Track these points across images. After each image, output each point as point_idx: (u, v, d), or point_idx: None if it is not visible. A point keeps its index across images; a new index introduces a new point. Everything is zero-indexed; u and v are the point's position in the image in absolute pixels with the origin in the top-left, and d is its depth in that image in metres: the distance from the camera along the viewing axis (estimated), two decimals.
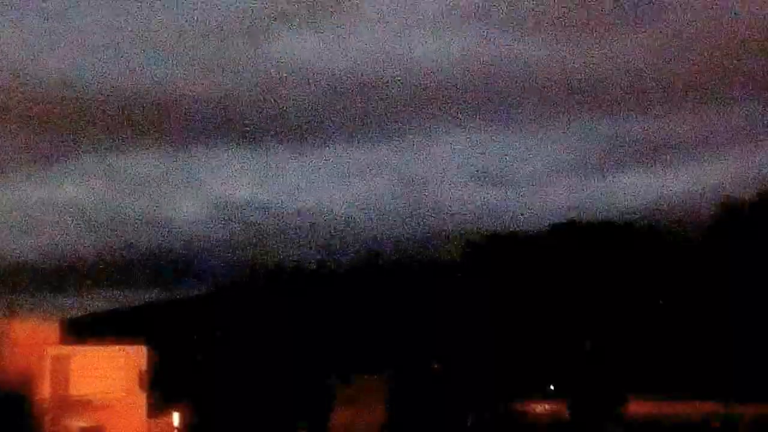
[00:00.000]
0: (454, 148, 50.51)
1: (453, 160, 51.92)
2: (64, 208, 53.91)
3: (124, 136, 49.49)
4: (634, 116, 48.38)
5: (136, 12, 51.87)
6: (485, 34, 50.31)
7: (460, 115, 49.04)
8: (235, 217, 53.05)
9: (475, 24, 51.07)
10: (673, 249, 39.06)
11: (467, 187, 49.30)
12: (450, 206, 45.54)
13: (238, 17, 51.02)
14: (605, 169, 48.84)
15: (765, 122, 52.61)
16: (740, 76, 51.71)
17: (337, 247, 44.98)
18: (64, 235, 49.28)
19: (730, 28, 49.31)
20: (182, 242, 49.05)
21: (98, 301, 50.61)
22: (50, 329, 16.55)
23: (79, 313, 49.04)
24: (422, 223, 46.01)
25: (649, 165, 48.44)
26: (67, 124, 47.45)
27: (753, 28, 48.16)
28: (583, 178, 48.71)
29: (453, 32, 51.11)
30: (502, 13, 50.58)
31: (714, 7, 49.57)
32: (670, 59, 50.26)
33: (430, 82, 49.50)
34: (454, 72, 49.19)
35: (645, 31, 50.07)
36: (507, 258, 41.20)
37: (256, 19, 52.60)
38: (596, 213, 43.84)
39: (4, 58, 49.56)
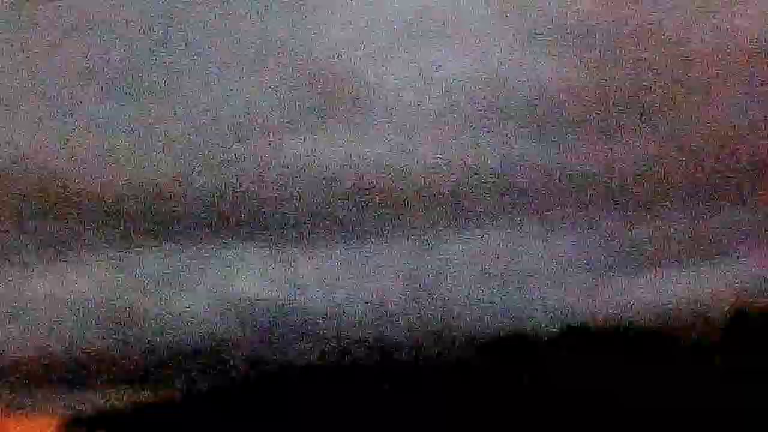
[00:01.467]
0: (464, 249, 50.25)
1: (463, 261, 51.55)
2: (71, 303, 53.68)
3: (133, 231, 49.55)
4: (647, 217, 48.52)
5: (147, 108, 52.46)
6: (494, 135, 50.68)
7: (470, 216, 49.13)
8: (243, 315, 52.66)
9: (483, 126, 51.57)
10: (686, 354, 39.04)
11: (477, 287, 48.90)
12: (460, 307, 45.20)
13: (249, 116, 51.59)
14: (617, 270, 48.64)
15: None
16: (750, 181, 52.09)
17: (346, 345, 44.79)
18: (70, 331, 48.97)
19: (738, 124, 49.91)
20: (189, 339, 48.60)
21: (105, 398, 50.18)
22: (48, 427, 16.35)
23: (86, 410, 48.68)
24: (432, 323, 45.67)
25: (661, 267, 48.31)
26: (76, 218, 47.56)
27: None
28: (594, 279, 48.48)
29: (462, 133, 51.53)
30: (511, 116, 51.07)
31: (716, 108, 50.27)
32: (682, 159, 50.63)
33: (440, 182, 49.87)
34: (465, 172, 49.45)
35: (656, 131, 50.63)
36: (519, 359, 41.01)
37: (267, 118, 53.06)
38: (608, 313, 43.72)
39: (14, 147, 49.84)
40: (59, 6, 50.00)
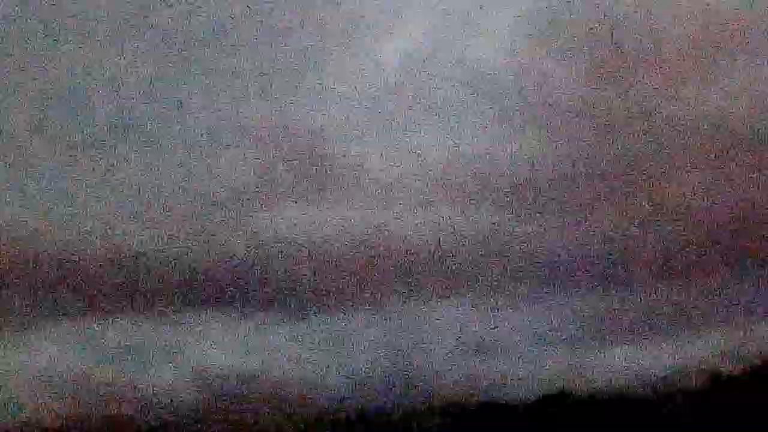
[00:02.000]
0: (441, 319, 49.98)
1: (440, 331, 51.20)
2: (33, 375, 52.49)
3: (101, 301, 48.87)
4: (622, 290, 48.53)
5: (119, 176, 52.13)
6: (471, 210, 50.89)
7: (447, 287, 48.95)
8: (214, 386, 51.71)
9: (464, 200, 51.77)
10: (665, 422, 38.87)
11: (455, 357, 48.50)
12: (438, 377, 44.79)
13: (223, 188, 51.48)
14: (594, 341, 48.47)
15: (748, 299, 52.85)
16: (721, 254, 52.38)
17: (320, 416, 44.16)
18: (32, 405, 47.76)
19: (716, 204, 50.35)
20: (159, 412, 47.57)
21: None
22: None
23: None
24: (408, 393, 45.19)
25: (637, 338, 48.19)
26: (42, 288, 46.87)
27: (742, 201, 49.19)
28: (572, 350, 48.25)
29: (442, 206, 51.68)
30: (489, 191, 51.34)
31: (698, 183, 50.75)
32: (656, 233, 50.95)
33: (416, 256, 49.82)
34: (442, 245, 49.50)
35: (630, 205, 50.95)
36: (497, 429, 40.56)
37: (241, 190, 52.94)
38: (586, 384, 43.43)
39: None
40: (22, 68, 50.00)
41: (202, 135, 57.71)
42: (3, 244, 50.00)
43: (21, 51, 54.17)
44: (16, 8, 51.13)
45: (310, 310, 54.61)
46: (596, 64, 60.06)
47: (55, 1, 52.52)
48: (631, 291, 52.54)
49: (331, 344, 55.59)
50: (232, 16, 58.20)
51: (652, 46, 58.67)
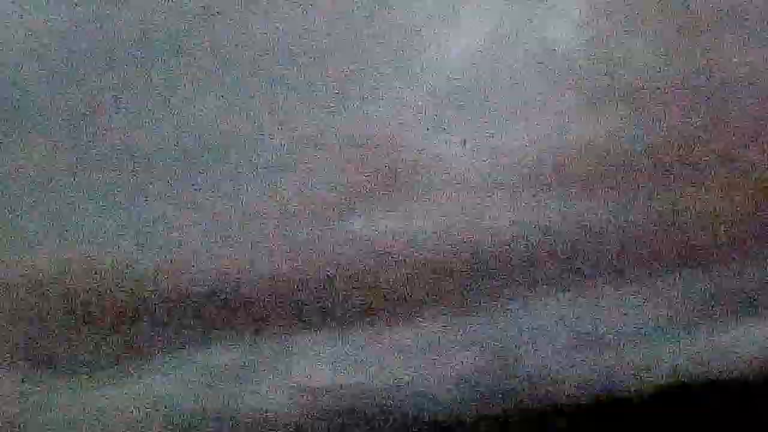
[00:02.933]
0: (546, 315, 48.17)
1: (547, 328, 49.49)
2: (137, 406, 52.47)
3: (199, 328, 48.34)
4: (734, 267, 46.31)
5: (203, 202, 51.29)
6: (558, 199, 48.98)
7: (550, 282, 47.08)
8: (317, 403, 51.13)
9: (546, 190, 49.85)
10: None
11: (565, 353, 46.89)
12: (548, 376, 43.21)
13: (305, 200, 50.40)
14: (709, 324, 46.37)
15: None
16: None
17: (425, 426, 43.13)
18: None
19: None
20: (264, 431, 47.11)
21: None
22: None
23: None
24: (515, 395, 43.87)
25: (755, 316, 45.99)
26: (139, 320, 46.56)
27: None
28: (686, 334, 46.22)
29: (525, 199, 49.81)
30: (575, 178, 49.48)
31: None
32: (751, 207, 48.69)
33: (509, 250, 47.98)
34: (532, 238, 47.61)
35: (719, 180, 48.85)
36: (615, 425, 39.18)
37: (324, 201, 51.87)
38: (705, 370, 41.49)
39: (71, 251, 48.90)
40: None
41: (281, 151, 56.81)
42: (88, 281, 49.85)
43: (108, 79, 53.94)
44: (101, 35, 50.73)
45: (411, 318, 53.27)
46: (673, 37, 57.75)
47: (122, 23, 52.12)
48: (744, 266, 50.09)
49: (436, 351, 54.45)
50: (301, 29, 57.38)
51: (730, 13, 56.35)
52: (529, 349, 42.96)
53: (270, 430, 43.45)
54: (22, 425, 39.49)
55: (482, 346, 44.54)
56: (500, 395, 40.94)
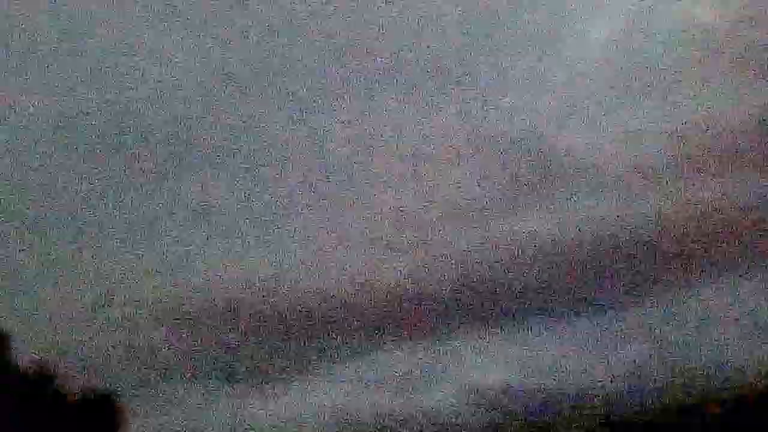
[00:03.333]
0: (715, 303, 47.01)
1: (715, 316, 48.27)
2: (319, 413, 54.28)
3: (371, 335, 49.92)
4: None
5: (360, 213, 53.18)
6: (719, 178, 48.36)
7: (718, 266, 46.10)
8: (489, 403, 51.59)
9: (707, 170, 49.35)
10: None
11: (738, 342, 45.53)
12: (720, 366, 42.19)
13: (466, 201, 51.50)
14: None
15: None
16: None
17: (601, 422, 42.97)
18: None
19: None
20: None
21: None
22: None
23: None
24: (689, 385, 43.15)
25: None
26: (315, 331, 48.50)
27: None
28: None
29: (684, 180, 49.39)
30: (735, 155, 48.69)
31: None
32: None
33: (676, 236, 47.34)
34: (701, 221, 46.85)
35: None
36: None
37: (484, 201, 52.80)
38: None
39: (248, 273, 51.40)
40: None
41: (431, 153, 57.97)
42: (290, 297, 52.07)
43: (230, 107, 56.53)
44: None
45: (573, 315, 53.24)
46: None
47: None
48: None
49: (599, 347, 54.12)
50: (448, 27, 58.51)
51: None
52: (695, 337, 41.17)
53: (441, 428, 43.26)
54: (205, 426, 40.92)
55: (649, 338, 42.76)
56: (669, 385, 39.74)
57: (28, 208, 48.55)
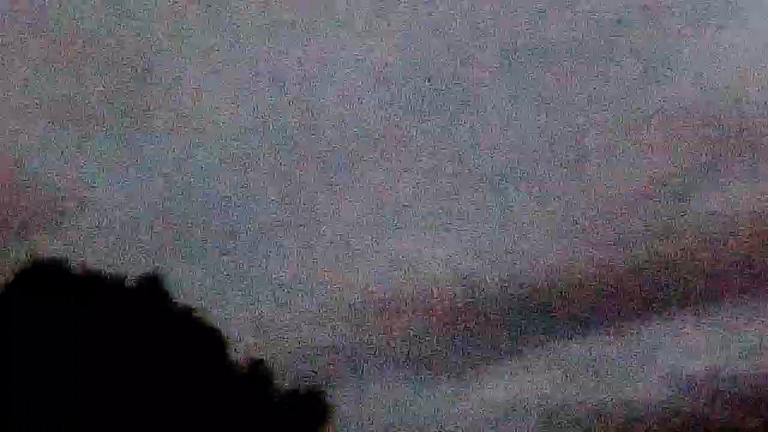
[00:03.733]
0: None
1: None
2: (520, 399, 53.58)
3: (570, 322, 48.99)
4: None
5: (550, 197, 52.21)
6: None
7: None
8: (693, 390, 49.88)
9: None
10: None
11: None
12: None
13: (656, 180, 49.81)
14: None
15: None
16: None
17: None
18: None
19: None
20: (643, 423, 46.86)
21: None
22: None
23: None
24: None
25: None
26: (514, 319, 47.88)
27: None
28: None
29: None
30: None
31: None
32: None
33: None
34: None
35: None
36: None
37: (672, 179, 50.98)
38: None
39: (447, 264, 51.11)
40: None
41: (631, 133, 56.30)
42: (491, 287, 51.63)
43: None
44: None
45: None
46: None
47: None
48: None
49: None
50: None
51: None
52: None
53: (646, 417, 41.70)
54: (402, 420, 40.73)
55: None
56: None
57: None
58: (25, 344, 26.42)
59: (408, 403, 45.17)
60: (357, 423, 38.71)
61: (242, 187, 51.10)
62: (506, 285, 47.13)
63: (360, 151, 51.31)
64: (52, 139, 47.51)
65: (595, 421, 45.40)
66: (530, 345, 48.96)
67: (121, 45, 49.76)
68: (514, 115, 51.79)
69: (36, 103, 47.68)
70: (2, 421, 25.21)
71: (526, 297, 48.31)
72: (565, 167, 49.77)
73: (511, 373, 49.26)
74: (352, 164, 51.84)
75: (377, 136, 51.38)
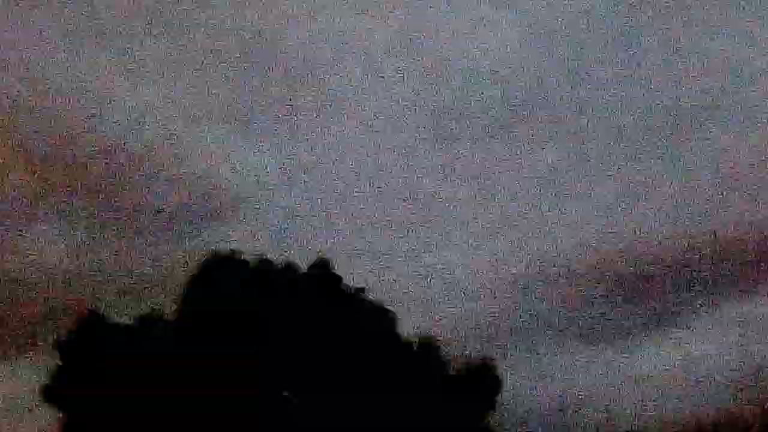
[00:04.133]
0: None
1: None
2: (680, 365, 53.10)
3: (734, 284, 48.25)
4: None
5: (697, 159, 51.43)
6: None
7: None
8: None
9: None
10: None
11: None
12: None
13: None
14: None
15: None
16: None
17: None
18: (691, 395, 48.18)
19: None
20: None
21: None
22: None
23: None
24: None
25: None
26: (669, 286, 47.41)
27: None
28: None
29: None
30: None
31: None
32: None
33: None
34: None
35: None
36: None
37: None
38: None
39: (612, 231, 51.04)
40: None
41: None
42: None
43: None
44: None
45: None
46: None
47: None
48: None
49: None
50: None
51: None
52: None
53: None
54: (574, 388, 41.41)
55: None
56: None
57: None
58: (223, 333, 28.22)
59: (578, 372, 45.44)
60: (529, 392, 39.19)
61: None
62: (676, 250, 46.86)
63: (513, 120, 51.88)
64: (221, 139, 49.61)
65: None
66: (694, 307, 48.61)
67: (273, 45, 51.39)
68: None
69: (200, 104, 49.84)
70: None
71: (689, 259, 47.85)
72: None
73: (676, 337, 49.02)
74: (507, 133, 52.36)
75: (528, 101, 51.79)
